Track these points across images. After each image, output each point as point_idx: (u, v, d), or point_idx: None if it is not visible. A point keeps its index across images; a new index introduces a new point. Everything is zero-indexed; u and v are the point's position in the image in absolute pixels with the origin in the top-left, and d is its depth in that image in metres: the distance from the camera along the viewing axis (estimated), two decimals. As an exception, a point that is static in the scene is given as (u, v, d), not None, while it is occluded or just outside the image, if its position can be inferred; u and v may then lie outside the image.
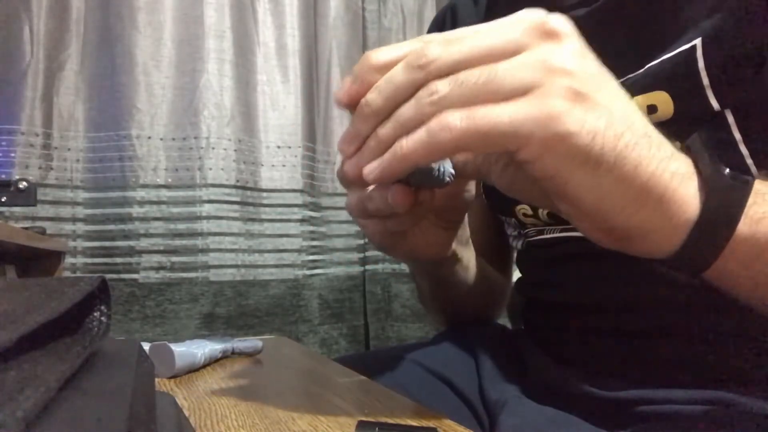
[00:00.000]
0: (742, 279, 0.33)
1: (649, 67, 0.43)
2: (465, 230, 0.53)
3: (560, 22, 0.29)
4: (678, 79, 0.41)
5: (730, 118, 0.40)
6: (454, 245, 0.50)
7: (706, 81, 0.40)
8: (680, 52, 0.41)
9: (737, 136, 0.40)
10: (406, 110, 0.30)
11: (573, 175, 0.29)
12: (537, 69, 0.28)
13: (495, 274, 0.67)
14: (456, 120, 0.28)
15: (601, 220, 0.32)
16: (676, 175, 0.31)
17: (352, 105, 0.32)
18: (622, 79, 0.45)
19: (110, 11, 1.46)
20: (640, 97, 0.43)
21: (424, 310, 0.73)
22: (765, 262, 0.32)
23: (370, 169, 0.31)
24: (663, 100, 0.42)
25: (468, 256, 0.57)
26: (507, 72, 0.28)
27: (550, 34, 0.29)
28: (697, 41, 0.40)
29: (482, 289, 0.63)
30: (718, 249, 0.31)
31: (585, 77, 0.29)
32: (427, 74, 0.29)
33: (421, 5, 1.86)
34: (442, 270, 0.55)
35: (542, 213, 0.52)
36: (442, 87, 0.28)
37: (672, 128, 0.42)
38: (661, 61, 0.42)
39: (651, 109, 0.42)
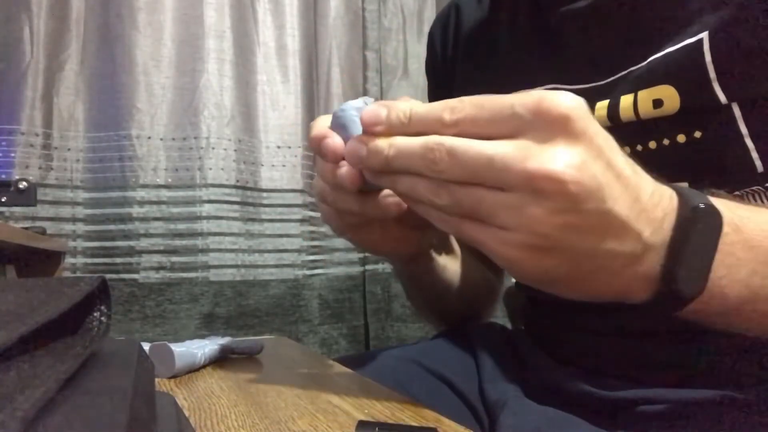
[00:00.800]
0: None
1: (653, 60, 0.43)
2: (441, 233, 0.53)
3: (581, 120, 0.28)
4: (684, 73, 0.41)
5: (737, 112, 0.40)
6: (426, 245, 0.49)
7: (713, 74, 0.40)
8: (686, 45, 0.41)
9: (743, 129, 0.40)
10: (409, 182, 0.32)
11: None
12: (517, 215, 0.28)
13: (484, 276, 0.66)
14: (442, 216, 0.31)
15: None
16: (637, 277, 0.31)
17: (369, 129, 0.33)
18: (624, 72, 0.45)
19: (110, 11, 1.46)
20: (645, 92, 0.43)
21: (413, 310, 0.73)
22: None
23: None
24: (669, 94, 0.42)
25: (445, 259, 0.57)
26: (492, 208, 0.28)
27: (553, 129, 0.27)
28: (704, 35, 0.40)
29: (467, 293, 0.62)
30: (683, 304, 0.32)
31: (566, 223, 0.28)
32: (438, 172, 0.30)
33: (421, 5, 1.86)
34: (414, 269, 0.55)
35: None
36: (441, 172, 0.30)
37: (678, 122, 0.42)
38: (666, 53, 0.42)
39: (657, 104, 0.42)
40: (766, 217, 0.33)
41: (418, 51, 1.81)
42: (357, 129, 0.34)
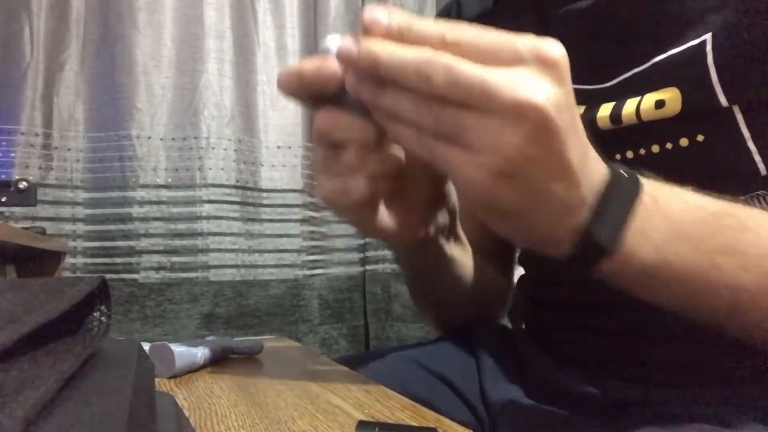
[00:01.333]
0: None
1: (656, 62, 0.43)
2: (452, 223, 0.52)
3: (567, 70, 0.31)
4: (687, 75, 0.41)
5: (738, 115, 0.40)
6: (433, 232, 0.48)
7: (715, 77, 0.40)
8: (690, 48, 0.41)
9: (745, 133, 0.40)
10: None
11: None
12: (494, 138, 0.29)
13: (494, 276, 0.66)
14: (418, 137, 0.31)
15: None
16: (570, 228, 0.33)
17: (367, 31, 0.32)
18: (628, 74, 0.44)
19: (110, 11, 1.47)
20: (651, 94, 0.43)
21: (416, 309, 0.71)
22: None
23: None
24: (672, 96, 0.42)
25: (454, 250, 0.55)
26: (472, 129, 0.29)
27: (546, 67, 0.30)
28: (707, 36, 0.40)
29: (476, 291, 0.62)
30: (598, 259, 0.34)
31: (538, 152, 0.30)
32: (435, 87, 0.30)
33: (421, 5, 1.86)
34: (420, 259, 0.54)
35: None
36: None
37: (680, 125, 0.42)
38: (670, 55, 0.42)
39: (659, 104, 0.42)
40: (686, 194, 0.36)
41: (418, 51, 1.81)
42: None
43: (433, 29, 0.30)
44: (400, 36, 0.31)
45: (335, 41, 0.33)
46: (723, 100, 0.40)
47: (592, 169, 0.33)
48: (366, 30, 0.31)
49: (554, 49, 0.30)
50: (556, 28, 0.50)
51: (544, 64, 0.29)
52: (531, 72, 0.29)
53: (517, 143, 0.29)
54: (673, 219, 0.34)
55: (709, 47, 0.40)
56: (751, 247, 0.34)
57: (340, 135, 0.36)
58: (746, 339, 0.37)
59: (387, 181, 0.37)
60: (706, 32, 0.40)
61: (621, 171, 0.34)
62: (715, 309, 0.36)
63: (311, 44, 1.70)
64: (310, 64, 0.34)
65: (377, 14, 0.31)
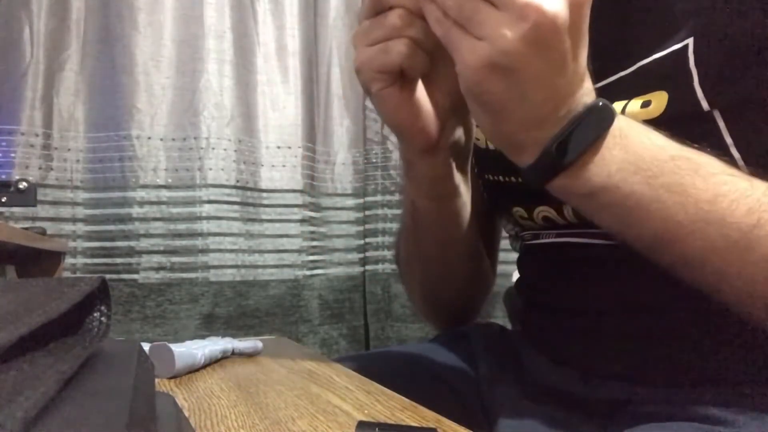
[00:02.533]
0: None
1: (641, 66, 0.43)
2: (465, 154, 0.51)
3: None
4: (671, 79, 0.41)
5: (720, 122, 0.40)
6: (449, 145, 0.47)
7: (696, 80, 0.40)
8: (673, 51, 0.41)
9: (727, 138, 0.40)
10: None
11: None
12: (497, 30, 0.32)
13: (482, 255, 0.65)
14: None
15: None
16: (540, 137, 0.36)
17: None
18: (614, 77, 0.45)
19: (110, 11, 1.46)
20: (636, 99, 0.43)
21: (411, 301, 0.70)
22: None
23: None
24: (659, 99, 0.42)
25: (462, 189, 0.53)
26: (485, 17, 0.33)
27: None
28: (689, 40, 0.40)
29: (467, 263, 0.61)
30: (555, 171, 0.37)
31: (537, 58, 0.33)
32: None
33: (421, 5, 1.86)
34: (428, 172, 0.50)
35: (537, 216, 0.52)
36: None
37: (662, 129, 0.42)
38: (654, 60, 0.42)
39: (645, 104, 0.43)
40: (654, 136, 0.38)
41: (418, 51, 1.81)
42: None
43: None
44: None
45: None
46: (704, 105, 0.40)
47: (576, 97, 0.36)
48: None
49: None
50: None
51: None
52: None
53: (513, 39, 0.32)
54: (632, 152, 0.37)
55: (690, 50, 0.40)
56: (696, 189, 0.36)
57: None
58: (673, 273, 0.39)
59: (423, 55, 0.40)
60: (689, 36, 0.40)
61: (598, 102, 0.37)
62: (645, 236, 0.38)
63: (311, 44, 1.70)
64: None
65: None
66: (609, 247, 0.46)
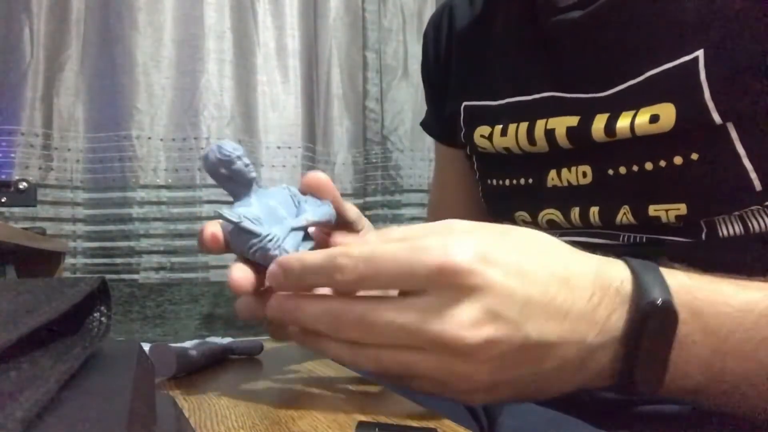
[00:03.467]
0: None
1: (650, 76, 0.42)
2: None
3: (485, 272, 0.28)
4: (680, 91, 0.41)
5: (733, 133, 0.39)
6: None
7: (707, 94, 0.39)
8: (683, 63, 0.40)
9: (741, 151, 0.39)
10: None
11: None
12: (450, 374, 0.29)
13: None
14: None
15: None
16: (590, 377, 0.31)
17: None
18: (623, 86, 0.44)
19: (110, 11, 1.47)
20: (645, 109, 0.42)
21: None
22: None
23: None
24: (667, 111, 0.41)
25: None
26: (426, 371, 0.29)
27: (459, 288, 0.28)
28: (699, 52, 0.40)
29: None
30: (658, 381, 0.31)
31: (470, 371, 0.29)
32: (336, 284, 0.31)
33: (421, 5, 1.86)
34: None
35: (542, 220, 0.52)
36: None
37: (674, 143, 0.41)
38: (663, 70, 0.42)
39: (653, 119, 0.42)
40: (727, 295, 0.32)
41: (418, 51, 1.80)
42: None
43: (322, 272, 0.30)
44: (300, 279, 0.32)
45: (233, 216, 0.35)
46: (716, 118, 0.39)
47: (596, 313, 0.30)
48: (272, 281, 0.33)
49: (461, 260, 0.27)
50: (548, 37, 0.50)
51: (456, 281, 0.27)
52: (444, 295, 0.28)
53: (473, 371, 0.28)
54: (719, 333, 0.31)
55: (701, 63, 0.39)
56: None
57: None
58: None
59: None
60: (699, 47, 0.40)
61: (652, 300, 0.29)
62: None
63: (311, 44, 1.70)
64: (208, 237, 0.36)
65: (274, 274, 0.33)
66: (613, 247, 0.46)
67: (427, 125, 0.70)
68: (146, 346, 0.46)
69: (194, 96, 1.52)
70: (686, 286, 0.31)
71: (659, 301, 0.29)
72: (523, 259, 0.29)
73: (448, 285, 0.28)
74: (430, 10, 1.88)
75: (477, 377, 0.29)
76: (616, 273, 0.31)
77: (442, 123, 0.64)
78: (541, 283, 0.29)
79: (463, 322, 0.27)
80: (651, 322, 0.29)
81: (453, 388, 0.30)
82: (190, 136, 1.52)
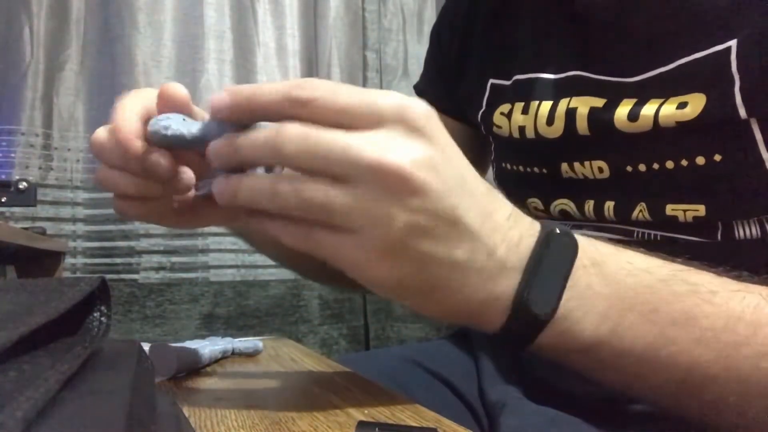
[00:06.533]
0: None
1: (681, 64, 0.42)
2: None
3: (438, 128, 0.29)
4: (711, 81, 0.40)
5: (757, 134, 0.39)
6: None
7: (737, 86, 0.38)
8: (714, 53, 0.40)
9: (764, 154, 0.39)
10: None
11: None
12: (369, 212, 0.27)
13: None
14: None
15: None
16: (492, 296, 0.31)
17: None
18: (653, 73, 0.43)
19: (110, 11, 1.46)
20: (674, 99, 0.41)
21: None
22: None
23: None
24: (697, 101, 0.40)
25: None
26: (343, 207, 0.27)
27: (411, 129, 0.28)
28: (732, 42, 0.39)
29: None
30: (536, 330, 0.31)
31: (422, 219, 0.28)
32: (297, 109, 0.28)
33: (421, 5, 1.86)
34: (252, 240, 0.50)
35: (554, 209, 0.52)
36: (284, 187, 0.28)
37: (696, 139, 0.40)
38: (694, 59, 0.41)
39: (681, 106, 0.41)
40: (629, 256, 0.33)
41: (418, 51, 1.81)
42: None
43: (272, 91, 0.28)
44: (249, 109, 0.29)
45: (164, 123, 0.33)
46: (742, 112, 0.38)
47: (511, 231, 0.30)
48: (214, 115, 0.31)
49: (419, 108, 0.28)
50: (579, 18, 0.49)
51: (412, 123, 0.28)
52: (394, 134, 0.27)
53: (394, 214, 0.27)
54: (618, 284, 0.31)
55: (733, 54, 0.39)
56: (707, 318, 0.31)
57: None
58: (696, 419, 0.34)
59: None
60: (732, 38, 0.39)
61: (554, 229, 0.31)
62: (665, 387, 0.32)
63: (311, 44, 1.70)
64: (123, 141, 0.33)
65: (219, 99, 0.30)
66: (628, 243, 0.46)
67: (421, 91, 0.67)
68: (146, 346, 0.46)
69: (194, 96, 1.52)
70: (592, 240, 0.33)
71: (560, 231, 0.31)
72: (464, 156, 0.31)
73: (403, 123, 0.27)
74: (430, 10, 1.88)
75: (394, 225, 0.27)
76: (528, 217, 0.32)
77: (448, 95, 0.62)
78: (476, 174, 0.30)
79: (408, 154, 0.27)
80: (552, 246, 0.31)
81: (360, 242, 0.28)
82: (190, 136, 1.52)
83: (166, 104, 0.35)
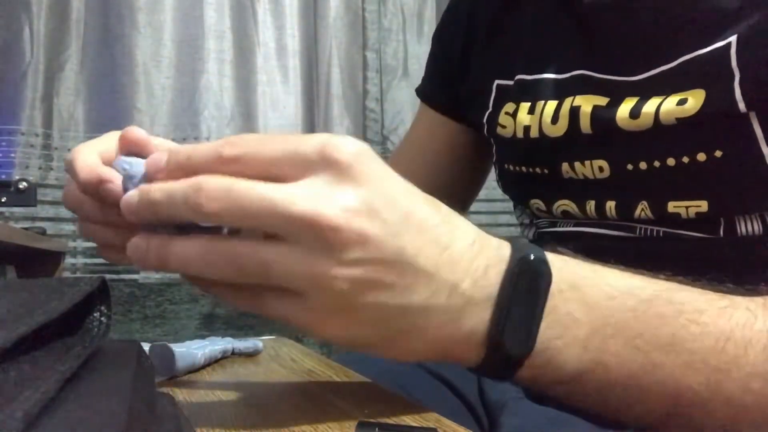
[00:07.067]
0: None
1: (683, 62, 0.42)
2: None
3: (369, 166, 0.26)
4: (712, 77, 0.40)
5: (757, 129, 0.39)
6: None
7: (737, 80, 0.39)
8: (716, 49, 0.40)
9: (764, 149, 0.39)
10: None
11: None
12: (308, 271, 0.25)
13: None
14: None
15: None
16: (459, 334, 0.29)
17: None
18: (656, 70, 0.44)
19: (110, 11, 1.47)
20: (675, 96, 0.42)
21: None
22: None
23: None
24: (697, 97, 0.41)
25: None
26: (279, 267, 0.25)
27: (338, 172, 0.25)
28: (733, 38, 0.39)
29: None
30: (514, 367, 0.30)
31: (362, 269, 0.25)
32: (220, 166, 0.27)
33: (421, 5, 1.86)
34: None
35: (556, 210, 0.52)
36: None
37: (696, 134, 0.40)
38: (696, 56, 0.41)
39: (681, 102, 0.41)
40: (609, 277, 0.31)
41: (418, 51, 1.81)
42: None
43: (210, 150, 0.27)
44: (183, 170, 0.27)
45: (132, 164, 0.31)
46: (742, 106, 0.39)
47: (475, 261, 0.28)
48: (152, 177, 0.28)
49: (344, 145, 0.26)
50: (582, 17, 0.49)
51: (337, 166, 0.25)
52: (321, 181, 0.25)
53: (331, 272, 0.25)
54: (599, 308, 0.30)
55: (733, 49, 0.39)
56: (695, 341, 0.29)
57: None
58: None
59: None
60: (733, 34, 0.39)
61: (525, 254, 0.29)
62: (653, 413, 0.31)
63: (311, 44, 1.70)
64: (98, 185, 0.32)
65: (158, 158, 0.28)
66: (631, 240, 0.46)
67: (423, 94, 0.67)
68: (146, 346, 0.46)
69: (194, 96, 1.52)
70: (568, 262, 0.31)
71: (531, 257, 0.28)
72: (411, 187, 0.28)
73: (330, 167, 0.25)
74: (430, 10, 1.88)
75: (336, 284, 0.25)
76: (496, 240, 0.30)
77: (450, 97, 0.63)
78: (426, 206, 0.28)
79: (338, 202, 0.25)
80: (524, 277, 0.28)
81: (307, 304, 0.26)
82: (190, 136, 1.52)
83: (128, 148, 0.35)
